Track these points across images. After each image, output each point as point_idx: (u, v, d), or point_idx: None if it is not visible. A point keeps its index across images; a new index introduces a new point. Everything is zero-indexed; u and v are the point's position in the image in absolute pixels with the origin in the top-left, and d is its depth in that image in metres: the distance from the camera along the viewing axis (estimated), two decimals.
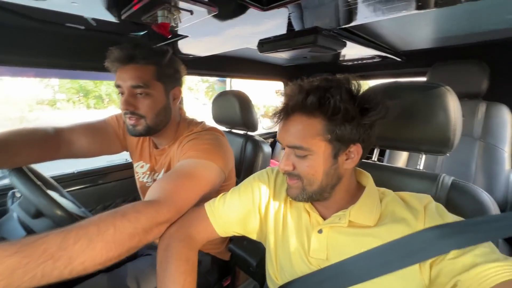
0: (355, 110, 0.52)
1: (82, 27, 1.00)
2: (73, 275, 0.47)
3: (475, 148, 1.34)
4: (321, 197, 0.57)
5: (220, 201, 0.69)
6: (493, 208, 0.60)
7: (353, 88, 0.55)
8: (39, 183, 0.67)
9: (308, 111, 0.52)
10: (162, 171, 0.92)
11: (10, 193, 0.81)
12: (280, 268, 0.66)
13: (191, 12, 0.60)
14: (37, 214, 0.68)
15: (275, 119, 0.58)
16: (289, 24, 0.86)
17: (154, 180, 0.95)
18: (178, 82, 0.89)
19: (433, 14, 0.98)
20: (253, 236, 0.71)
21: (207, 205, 0.70)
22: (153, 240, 0.60)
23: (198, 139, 0.82)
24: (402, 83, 0.75)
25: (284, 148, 0.58)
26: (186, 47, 1.23)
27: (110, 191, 1.35)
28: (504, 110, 1.32)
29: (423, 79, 1.55)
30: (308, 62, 2.09)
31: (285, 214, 0.65)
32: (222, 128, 1.43)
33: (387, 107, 0.56)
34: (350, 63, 1.75)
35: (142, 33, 1.09)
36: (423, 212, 0.53)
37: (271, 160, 2.10)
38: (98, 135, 0.94)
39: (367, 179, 0.62)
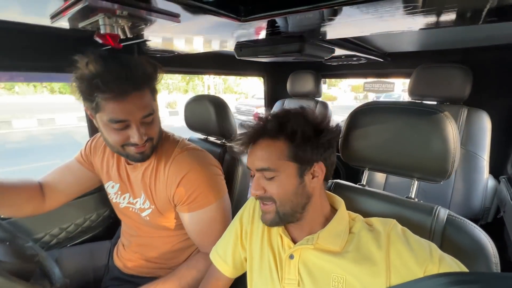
0: (310, 131, 0.57)
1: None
2: None
3: None
4: (293, 218, 0.59)
5: (220, 244, 0.75)
6: (491, 248, 0.56)
7: (308, 114, 0.60)
8: None
9: (271, 136, 0.57)
10: (142, 194, 0.86)
11: None
12: None
13: (145, 22, 0.46)
14: None
15: (242, 148, 0.61)
16: (272, 29, 0.74)
17: (130, 203, 0.88)
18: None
19: None
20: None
21: (212, 255, 0.75)
22: None
23: (194, 174, 0.80)
24: (399, 103, 0.68)
25: (253, 176, 0.60)
26: (155, 44, 1.06)
27: (74, 207, 1.14)
28: (484, 117, 1.32)
29: (407, 80, 1.51)
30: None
31: (262, 242, 0.66)
32: (197, 135, 1.31)
33: (339, 127, 0.64)
34: (335, 63, 1.66)
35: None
36: (387, 238, 0.54)
37: None
38: (72, 175, 0.94)
39: (340, 204, 0.64)
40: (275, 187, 0.57)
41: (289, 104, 2.11)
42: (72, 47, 0.76)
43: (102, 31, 0.44)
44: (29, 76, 1.08)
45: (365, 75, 1.86)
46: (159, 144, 0.82)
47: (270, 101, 2.32)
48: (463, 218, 0.61)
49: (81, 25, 0.48)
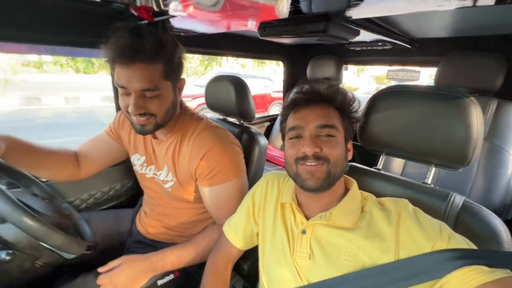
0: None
1: None
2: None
3: (482, 148, 1.29)
4: (333, 183, 0.60)
5: (233, 218, 0.80)
6: (505, 235, 0.56)
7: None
8: (1, 187, 0.59)
9: (330, 101, 0.62)
10: (165, 167, 0.90)
11: None
12: (267, 270, 0.67)
13: None
14: (3, 219, 0.61)
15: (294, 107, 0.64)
16: (296, 7, 0.73)
17: (155, 174, 0.94)
18: (182, 71, 0.84)
19: None
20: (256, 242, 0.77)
21: (224, 227, 0.81)
22: None
23: (216, 150, 0.83)
24: (419, 87, 0.66)
25: (295, 138, 0.62)
26: (179, 23, 1.08)
27: (101, 176, 1.23)
28: None
29: (434, 69, 1.44)
30: (313, 42, 1.93)
31: (275, 217, 0.68)
32: (216, 115, 1.34)
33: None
34: (358, 48, 1.61)
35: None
36: (398, 216, 0.55)
37: (268, 146, 2.03)
38: (102, 146, 1.00)
39: (352, 183, 0.66)
40: (332, 147, 0.58)
41: None
42: (104, 24, 0.79)
43: (138, 4, 0.47)
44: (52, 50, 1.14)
45: (389, 63, 1.79)
46: (169, 123, 0.84)
47: (288, 85, 2.30)
48: (480, 206, 0.61)
49: None
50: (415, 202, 0.62)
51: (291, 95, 0.67)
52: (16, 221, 0.58)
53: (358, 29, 0.84)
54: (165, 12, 0.64)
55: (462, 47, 1.33)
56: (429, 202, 0.64)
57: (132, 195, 1.33)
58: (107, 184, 1.23)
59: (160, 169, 0.92)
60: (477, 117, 0.58)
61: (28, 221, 0.59)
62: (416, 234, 0.51)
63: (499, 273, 0.42)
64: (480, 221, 0.58)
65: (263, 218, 0.71)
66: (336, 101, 0.62)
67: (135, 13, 0.49)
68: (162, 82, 0.74)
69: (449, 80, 1.31)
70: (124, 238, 1.06)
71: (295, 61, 2.19)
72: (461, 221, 0.60)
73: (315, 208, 0.63)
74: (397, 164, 1.41)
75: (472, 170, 1.28)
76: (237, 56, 1.81)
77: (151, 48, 0.69)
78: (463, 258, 0.45)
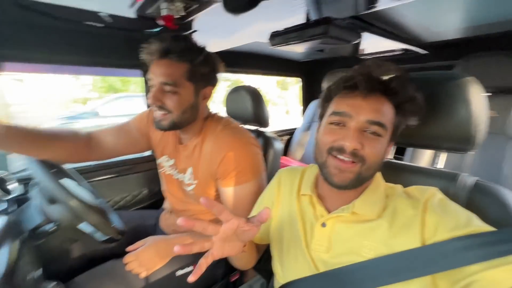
0: None
1: (101, 25, 1.05)
2: None
3: (508, 148, 1.21)
4: (358, 186, 0.55)
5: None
6: None
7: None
8: (53, 171, 0.71)
9: (390, 95, 0.54)
10: (189, 170, 0.93)
11: (31, 182, 0.86)
12: (282, 263, 0.66)
13: (195, 1, 0.60)
14: (52, 200, 0.73)
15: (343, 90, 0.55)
16: (304, 16, 0.83)
17: (180, 177, 0.98)
18: (211, 82, 0.88)
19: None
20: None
21: None
22: None
23: (237, 151, 0.84)
24: (419, 74, 0.69)
25: (335, 124, 0.54)
26: (202, 38, 1.24)
27: (132, 182, 1.39)
28: None
29: None
30: (326, 57, 2.02)
31: (290, 211, 0.65)
32: None
33: None
34: (369, 57, 1.66)
35: (156, 29, 1.12)
36: (424, 205, 0.51)
37: (283, 157, 2.06)
38: (122, 136, 1.00)
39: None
40: (374, 148, 0.52)
41: None
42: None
43: (162, 14, 0.59)
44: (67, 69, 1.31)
45: None
46: (186, 125, 0.86)
47: (306, 101, 2.38)
48: (495, 184, 0.59)
49: (148, 11, 0.64)
50: (422, 185, 0.61)
51: (351, 72, 0.58)
52: (64, 200, 0.69)
53: (359, 31, 0.92)
54: (188, 25, 0.76)
55: (477, 49, 1.32)
56: (438, 184, 0.63)
57: (157, 200, 1.44)
58: (137, 188, 1.36)
59: (184, 172, 0.95)
60: (476, 94, 0.58)
61: (74, 201, 0.70)
62: (441, 224, 0.47)
63: None
64: (492, 198, 0.55)
65: (276, 211, 0.70)
66: (398, 96, 0.54)
67: (162, 23, 0.62)
68: (183, 81, 0.79)
69: None
70: (149, 235, 1.13)
71: (312, 77, 2.29)
72: (473, 201, 0.57)
73: (337, 201, 0.59)
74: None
75: (501, 174, 1.21)
76: (255, 73, 1.95)
77: (180, 48, 0.77)
78: (483, 245, 0.42)
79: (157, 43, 0.77)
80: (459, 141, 0.62)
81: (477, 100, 0.58)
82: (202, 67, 0.82)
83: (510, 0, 0.89)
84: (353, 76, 0.54)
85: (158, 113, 0.81)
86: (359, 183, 0.54)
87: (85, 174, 1.20)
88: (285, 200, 0.68)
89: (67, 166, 0.97)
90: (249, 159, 0.86)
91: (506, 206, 0.54)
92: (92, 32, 1.11)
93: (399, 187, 0.59)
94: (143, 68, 1.27)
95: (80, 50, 1.11)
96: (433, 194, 0.53)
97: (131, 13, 0.82)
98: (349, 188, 0.54)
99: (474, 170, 1.28)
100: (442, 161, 0.70)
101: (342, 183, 0.53)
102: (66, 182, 0.80)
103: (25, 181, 1.05)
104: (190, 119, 0.86)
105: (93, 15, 0.90)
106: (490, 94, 1.27)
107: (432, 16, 1.06)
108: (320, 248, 0.57)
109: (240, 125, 1.35)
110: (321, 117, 0.61)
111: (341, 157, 0.52)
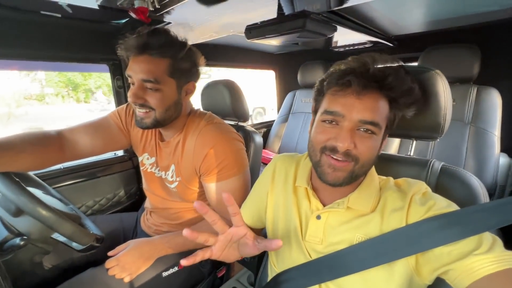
0: None
1: (59, 15, 0.95)
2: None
3: (466, 132, 1.34)
4: (351, 182, 0.55)
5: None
6: (482, 192, 0.59)
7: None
8: (17, 180, 0.64)
9: (386, 90, 0.52)
10: (171, 167, 0.91)
11: None
12: (277, 254, 0.67)
13: None
14: (18, 212, 0.66)
15: (339, 91, 0.53)
16: (279, 9, 0.82)
17: (162, 175, 0.95)
18: (193, 77, 0.86)
19: None
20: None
21: None
22: None
23: (221, 146, 0.84)
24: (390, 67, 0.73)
25: (328, 122, 0.53)
26: (175, 30, 1.18)
27: (105, 184, 1.31)
28: (494, 94, 1.32)
29: (415, 64, 1.54)
30: (300, 49, 2.05)
31: (285, 201, 0.66)
32: None
33: None
34: (342, 49, 1.72)
35: (123, 21, 1.04)
36: (410, 200, 0.53)
37: (264, 150, 2.08)
38: (100, 132, 0.93)
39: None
40: (366, 147, 0.51)
41: (300, 95, 2.18)
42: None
43: (135, 5, 0.55)
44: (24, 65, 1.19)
45: None
46: (169, 122, 0.84)
47: (282, 93, 2.40)
48: (457, 167, 0.65)
49: (119, 2, 0.59)
50: (398, 174, 0.66)
51: (343, 65, 0.56)
52: (32, 211, 0.63)
53: (334, 24, 0.94)
54: (161, 18, 0.72)
55: (438, 41, 1.42)
56: (411, 171, 0.68)
57: (135, 201, 1.37)
58: (112, 191, 1.28)
59: (167, 169, 0.93)
60: (443, 87, 0.63)
61: (43, 211, 0.64)
62: (420, 216, 0.50)
63: (507, 263, 0.41)
64: (458, 181, 0.62)
65: (271, 199, 0.69)
66: (393, 91, 0.52)
67: (134, 15, 0.57)
68: (165, 78, 0.76)
69: None
70: (129, 237, 1.09)
71: (286, 69, 2.31)
72: (441, 184, 0.63)
73: (332, 194, 0.60)
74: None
75: (461, 156, 1.34)
76: (229, 66, 1.92)
77: (160, 44, 0.74)
78: (444, 226, 0.45)
79: (134, 38, 0.73)
80: (429, 130, 0.67)
81: (445, 91, 0.63)
82: (184, 62, 0.80)
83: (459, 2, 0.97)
84: (346, 71, 0.52)
85: (140, 111, 0.78)
86: (353, 180, 0.54)
87: (49, 180, 1.11)
88: (280, 188, 0.68)
89: (30, 173, 0.88)
90: (234, 154, 0.86)
91: (469, 187, 0.60)
92: (50, 23, 1.00)
93: (390, 179, 0.60)
94: (110, 63, 1.19)
95: (35, 42, 1.00)
96: (419, 189, 0.54)
97: (93, 3, 0.75)
98: (343, 186, 0.54)
99: (438, 154, 1.40)
100: (413, 148, 0.76)
101: (335, 182, 0.53)
102: (31, 190, 0.74)
103: None
104: (173, 116, 0.84)
105: (51, 5, 0.81)
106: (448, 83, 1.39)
107: (399, 11, 1.12)
108: (315, 240, 0.59)
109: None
110: (315, 112, 0.60)
111: (334, 156, 0.52)
